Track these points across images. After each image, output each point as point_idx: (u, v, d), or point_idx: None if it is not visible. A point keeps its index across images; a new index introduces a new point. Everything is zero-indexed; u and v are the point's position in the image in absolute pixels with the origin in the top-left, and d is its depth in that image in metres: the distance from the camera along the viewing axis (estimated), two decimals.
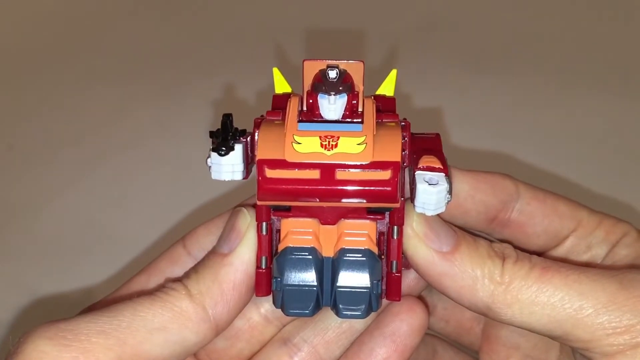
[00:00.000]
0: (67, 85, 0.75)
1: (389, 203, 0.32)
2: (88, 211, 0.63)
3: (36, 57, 0.79)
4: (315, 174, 0.31)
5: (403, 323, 0.36)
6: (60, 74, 0.76)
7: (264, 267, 0.34)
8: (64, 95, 0.74)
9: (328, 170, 0.31)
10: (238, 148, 0.32)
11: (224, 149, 0.32)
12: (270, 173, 0.31)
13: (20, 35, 0.81)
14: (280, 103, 0.34)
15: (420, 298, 0.39)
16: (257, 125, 0.33)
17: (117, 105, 0.72)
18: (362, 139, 0.32)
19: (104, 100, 0.73)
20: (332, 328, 0.38)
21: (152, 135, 0.69)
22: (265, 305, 0.38)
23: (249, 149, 0.33)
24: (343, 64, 0.33)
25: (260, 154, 0.32)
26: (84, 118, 0.71)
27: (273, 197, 0.32)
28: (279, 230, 0.34)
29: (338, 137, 0.32)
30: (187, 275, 0.34)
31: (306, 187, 0.31)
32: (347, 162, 0.31)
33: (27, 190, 0.65)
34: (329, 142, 0.31)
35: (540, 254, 0.39)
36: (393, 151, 0.31)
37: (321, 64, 0.33)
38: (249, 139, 0.33)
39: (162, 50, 0.79)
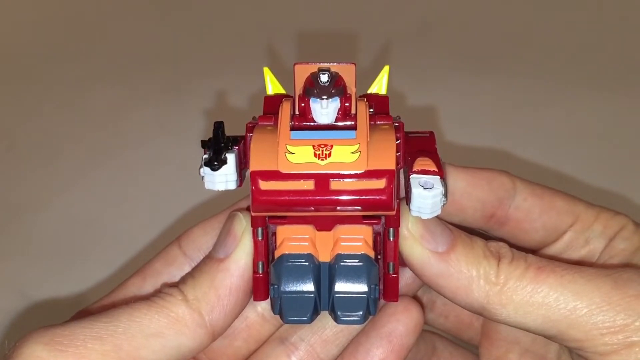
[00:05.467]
0: (67, 85, 0.75)
1: (384, 211, 0.32)
2: (87, 212, 0.63)
3: (36, 57, 0.79)
4: (309, 185, 0.31)
5: (399, 323, 0.37)
6: (61, 74, 0.76)
7: (260, 272, 0.34)
8: (64, 95, 0.74)
9: (322, 180, 0.31)
10: (230, 159, 0.32)
11: (216, 163, 0.32)
12: (264, 185, 0.31)
13: (20, 35, 0.81)
14: (272, 106, 0.34)
15: (415, 297, 0.39)
16: (250, 130, 0.33)
17: (116, 105, 0.73)
18: (356, 147, 0.31)
19: (104, 100, 0.73)
20: (329, 327, 0.38)
21: (151, 135, 0.69)
22: (262, 304, 0.38)
23: (241, 155, 0.33)
24: (334, 67, 0.33)
25: (254, 165, 0.31)
26: (84, 118, 0.71)
27: (268, 209, 0.32)
28: (274, 233, 0.34)
29: (331, 146, 0.31)
30: (183, 280, 0.34)
31: (301, 198, 0.31)
32: (341, 172, 0.31)
33: (26, 191, 0.65)
34: (322, 151, 0.31)
35: (538, 249, 0.39)
36: (387, 159, 0.31)
37: (312, 67, 0.33)
38: (241, 144, 0.33)
39: (162, 51, 0.79)
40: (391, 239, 0.33)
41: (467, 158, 0.63)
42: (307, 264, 0.33)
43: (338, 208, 0.31)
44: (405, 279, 0.38)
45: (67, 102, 0.73)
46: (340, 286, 0.33)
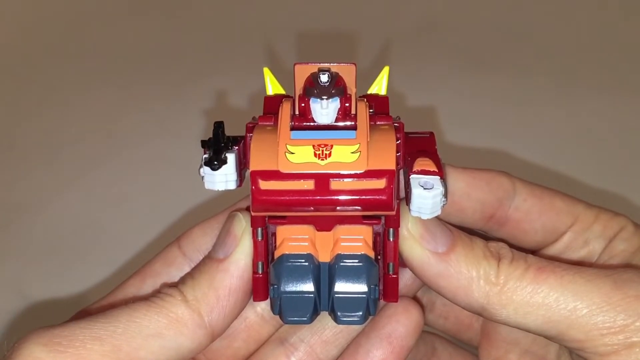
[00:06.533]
0: (67, 85, 0.75)
1: (384, 211, 0.32)
2: (87, 212, 0.63)
3: (37, 57, 0.79)
4: (309, 185, 0.31)
5: (399, 324, 0.36)
6: (60, 74, 0.76)
7: (260, 272, 0.34)
8: (64, 95, 0.74)
9: (322, 180, 0.31)
10: (230, 158, 0.32)
11: (216, 163, 0.32)
12: (264, 185, 0.31)
13: (20, 35, 0.81)
14: (272, 106, 0.34)
15: (415, 298, 0.39)
16: (250, 130, 0.33)
17: (117, 105, 0.73)
18: (356, 147, 0.31)
19: (104, 100, 0.73)
20: (329, 327, 0.38)
21: (151, 135, 0.69)
22: (262, 304, 0.38)
23: (241, 155, 0.33)
24: (335, 67, 0.33)
25: (254, 165, 0.31)
26: (84, 118, 0.71)
27: (267, 209, 0.31)
28: (274, 234, 0.34)
29: (332, 146, 0.31)
30: (182, 280, 0.34)
31: (301, 197, 0.31)
32: (341, 172, 0.31)
33: (26, 191, 0.65)
34: (322, 151, 0.31)
35: (538, 250, 0.39)
36: (387, 159, 0.31)
37: (312, 67, 0.33)
38: (241, 144, 0.33)
39: (162, 51, 0.79)
40: (391, 239, 0.33)
41: (467, 158, 0.63)
42: (306, 264, 0.33)
43: (338, 208, 0.31)
44: (405, 279, 0.38)
45: (67, 102, 0.73)
46: (340, 286, 0.33)
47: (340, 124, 0.33)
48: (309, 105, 0.33)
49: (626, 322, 0.31)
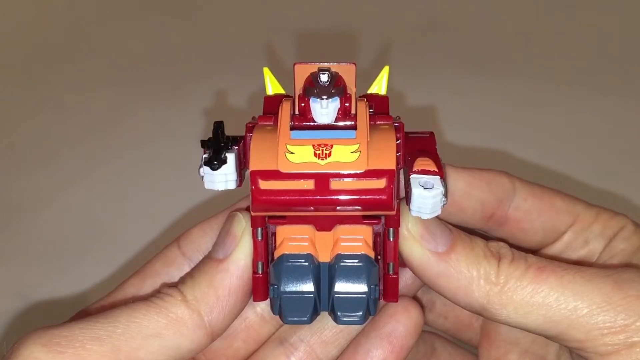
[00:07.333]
0: (67, 85, 0.75)
1: (384, 211, 0.32)
2: (86, 212, 0.63)
3: (37, 57, 0.79)
4: (309, 184, 0.31)
5: (399, 324, 0.36)
6: (61, 74, 0.76)
7: (260, 272, 0.33)
8: (64, 95, 0.74)
9: (322, 180, 0.31)
10: (230, 158, 0.32)
11: (215, 163, 0.32)
12: (264, 184, 0.31)
13: (20, 35, 0.81)
14: (272, 106, 0.34)
15: (415, 298, 0.39)
16: (249, 130, 0.33)
17: (117, 105, 0.73)
18: (356, 146, 0.31)
19: (104, 100, 0.73)
20: (328, 327, 0.38)
21: (151, 135, 0.69)
22: (261, 305, 0.38)
23: (241, 154, 0.33)
24: (334, 67, 0.33)
25: (253, 164, 0.31)
26: (84, 118, 0.71)
27: (267, 208, 0.31)
28: (274, 234, 0.34)
29: (332, 146, 0.31)
30: (182, 280, 0.34)
31: (301, 197, 0.31)
32: (341, 172, 0.31)
33: (26, 190, 0.65)
34: (322, 151, 0.31)
35: (538, 250, 0.39)
36: (387, 159, 0.31)
37: (312, 67, 0.33)
38: (241, 144, 0.33)
39: (162, 51, 0.79)
40: (391, 239, 0.33)
41: (467, 158, 0.63)
42: (306, 264, 0.33)
43: (338, 208, 0.31)
44: (405, 279, 0.38)
45: (67, 102, 0.73)
46: (340, 286, 0.33)
47: (340, 123, 0.33)
48: (308, 105, 0.33)
49: (627, 322, 0.31)
